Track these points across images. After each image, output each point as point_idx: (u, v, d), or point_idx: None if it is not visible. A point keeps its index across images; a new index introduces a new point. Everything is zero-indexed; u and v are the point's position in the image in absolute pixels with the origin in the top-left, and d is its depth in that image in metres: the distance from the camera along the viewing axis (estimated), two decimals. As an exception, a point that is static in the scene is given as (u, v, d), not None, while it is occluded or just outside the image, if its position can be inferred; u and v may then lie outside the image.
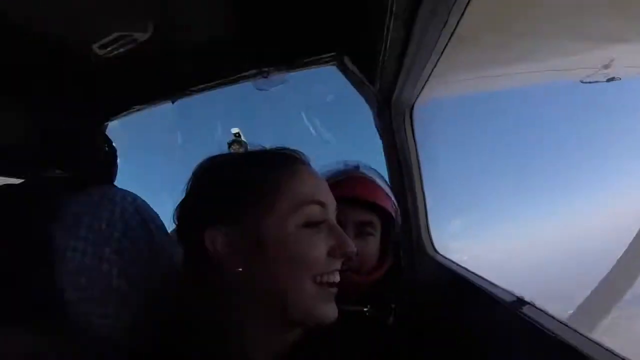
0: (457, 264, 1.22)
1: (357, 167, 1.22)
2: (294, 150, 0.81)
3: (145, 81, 1.51)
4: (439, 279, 1.30)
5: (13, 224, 1.02)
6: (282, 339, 0.74)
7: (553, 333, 0.71)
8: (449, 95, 1.40)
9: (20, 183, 1.17)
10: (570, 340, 0.66)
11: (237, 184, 0.73)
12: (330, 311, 0.72)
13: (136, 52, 1.25)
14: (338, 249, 0.72)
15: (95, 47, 1.17)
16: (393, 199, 1.22)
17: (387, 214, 1.17)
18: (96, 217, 1.03)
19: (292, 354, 0.74)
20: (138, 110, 1.65)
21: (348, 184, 1.15)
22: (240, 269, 0.68)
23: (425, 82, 1.19)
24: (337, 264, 0.72)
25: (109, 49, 1.20)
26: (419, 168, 1.43)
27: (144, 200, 1.14)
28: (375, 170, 1.27)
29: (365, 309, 0.93)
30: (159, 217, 1.15)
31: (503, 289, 0.95)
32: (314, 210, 0.72)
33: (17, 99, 1.45)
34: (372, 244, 1.15)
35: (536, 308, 0.82)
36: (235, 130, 1.91)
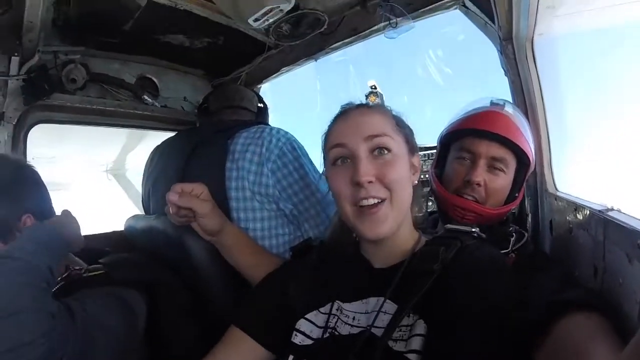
0: (580, 198, 1.20)
1: (501, 105, 1.27)
2: (344, 105, 1.01)
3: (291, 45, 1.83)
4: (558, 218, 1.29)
5: (203, 157, 1.46)
6: (385, 252, 0.94)
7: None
8: (569, 29, 1.32)
9: (210, 125, 1.63)
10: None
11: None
12: (367, 230, 0.88)
13: (281, 21, 1.57)
14: (352, 178, 0.87)
15: (250, 20, 1.50)
16: (530, 142, 1.25)
17: (524, 155, 1.22)
18: (258, 145, 1.40)
19: (399, 264, 0.91)
20: (288, 71, 2.01)
21: (485, 118, 1.24)
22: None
23: (536, 14, 1.20)
24: (360, 192, 0.87)
25: (261, 20, 1.52)
26: (543, 102, 1.41)
27: (292, 134, 1.48)
28: (519, 110, 1.32)
29: (473, 230, 0.96)
30: (304, 147, 1.48)
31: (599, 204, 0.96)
32: (335, 152, 0.92)
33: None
34: (501, 181, 1.22)
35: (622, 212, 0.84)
36: (371, 82, 2.11)
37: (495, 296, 0.77)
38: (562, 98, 1.44)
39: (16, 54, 1.39)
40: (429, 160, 2.15)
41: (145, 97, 1.78)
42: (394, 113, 0.99)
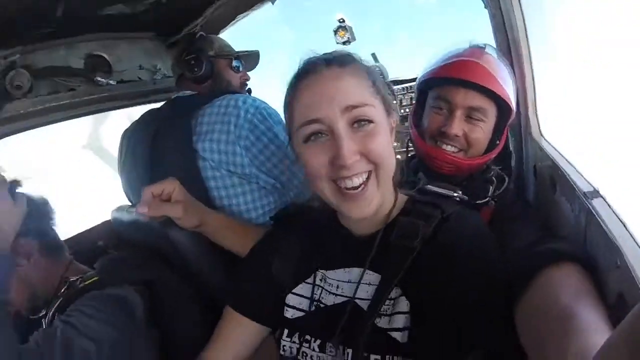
0: (558, 151, 1.18)
1: (482, 48, 1.22)
2: (308, 61, 0.87)
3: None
4: (539, 166, 1.28)
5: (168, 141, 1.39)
6: (365, 221, 0.89)
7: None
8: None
9: (168, 104, 1.53)
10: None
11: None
12: (353, 210, 0.82)
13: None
14: (334, 161, 0.79)
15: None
16: (510, 87, 1.20)
17: (503, 102, 1.17)
18: (225, 123, 1.32)
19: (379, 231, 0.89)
20: (244, 17, 1.81)
21: (461, 66, 1.17)
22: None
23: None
24: (342, 172, 0.79)
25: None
26: (527, 38, 1.30)
27: (262, 100, 1.39)
28: (499, 53, 1.26)
29: (455, 194, 0.94)
30: (277, 113, 1.39)
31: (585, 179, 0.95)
32: (311, 129, 0.80)
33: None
34: (480, 130, 1.19)
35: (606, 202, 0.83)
36: (339, 15, 1.91)
37: (477, 276, 0.77)
38: (549, 33, 1.33)
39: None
40: (408, 94, 2.05)
41: (98, 77, 1.62)
42: (367, 68, 0.87)
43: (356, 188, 0.81)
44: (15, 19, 1.27)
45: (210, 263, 1.30)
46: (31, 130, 1.62)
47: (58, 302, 1.22)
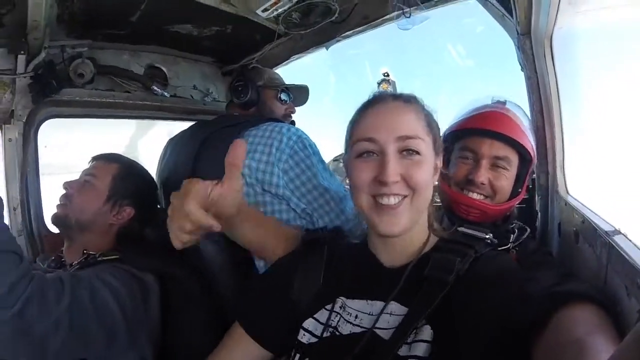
0: (582, 203, 1.18)
1: (503, 103, 1.32)
2: (379, 93, 0.99)
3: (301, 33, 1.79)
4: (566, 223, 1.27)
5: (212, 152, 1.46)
6: (396, 250, 0.94)
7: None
8: (592, 24, 1.25)
9: (218, 118, 1.63)
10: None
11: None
12: (382, 224, 0.87)
13: (290, 10, 1.53)
14: (378, 177, 0.86)
15: (259, 11, 1.47)
16: (531, 137, 1.28)
17: (526, 152, 1.24)
18: (267, 145, 1.39)
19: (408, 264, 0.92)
20: (298, 58, 1.97)
21: (487, 117, 1.26)
22: None
23: (557, 9, 1.14)
24: (382, 189, 0.86)
25: (269, 11, 1.48)
26: (559, 101, 1.36)
27: (303, 131, 1.46)
28: (521, 109, 1.36)
29: (487, 236, 0.96)
30: (315, 144, 1.46)
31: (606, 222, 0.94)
32: (363, 145, 0.89)
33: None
34: (505, 178, 1.24)
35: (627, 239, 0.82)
36: (384, 70, 2.05)
37: (506, 314, 0.76)
38: (581, 97, 1.38)
39: (22, 52, 1.39)
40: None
41: (155, 87, 1.77)
42: (426, 111, 0.96)
43: (391, 205, 0.87)
44: (92, 15, 1.43)
45: (230, 274, 1.31)
46: (77, 129, 1.75)
47: (74, 269, 1.23)
